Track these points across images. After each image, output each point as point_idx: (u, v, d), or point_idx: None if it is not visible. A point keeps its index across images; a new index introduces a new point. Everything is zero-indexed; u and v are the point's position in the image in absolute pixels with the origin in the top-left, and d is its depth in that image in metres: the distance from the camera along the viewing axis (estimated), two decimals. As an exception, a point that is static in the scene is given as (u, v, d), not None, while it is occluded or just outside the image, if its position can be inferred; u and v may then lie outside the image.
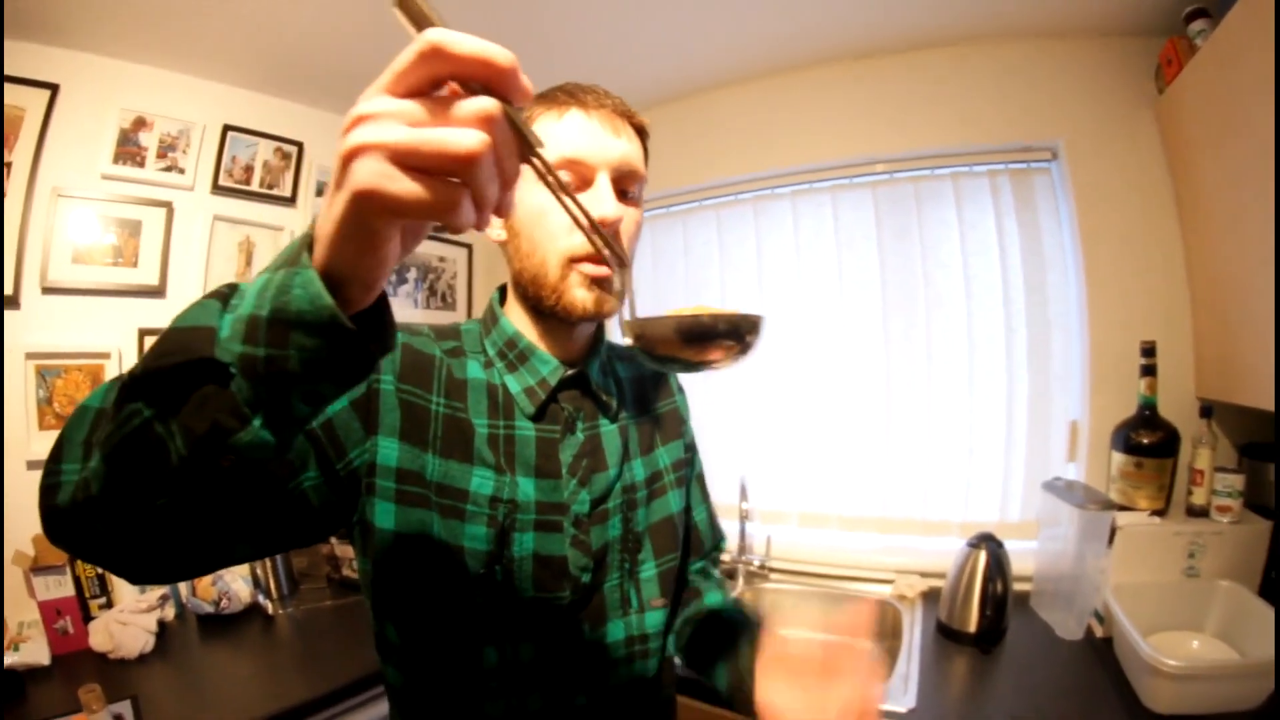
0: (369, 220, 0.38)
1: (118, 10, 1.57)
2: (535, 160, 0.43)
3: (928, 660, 1.53)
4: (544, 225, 0.77)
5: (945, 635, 1.64)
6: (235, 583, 1.72)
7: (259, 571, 1.83)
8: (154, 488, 0.44)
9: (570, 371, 0.84)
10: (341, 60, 1.89)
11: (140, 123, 1.79)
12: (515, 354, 0.83)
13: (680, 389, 1.07)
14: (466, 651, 0.76)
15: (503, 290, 0.89)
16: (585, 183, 0.76)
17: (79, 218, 1.74)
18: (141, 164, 1.82)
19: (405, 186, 0.35)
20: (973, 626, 1.60)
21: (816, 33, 1.89)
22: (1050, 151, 1.86)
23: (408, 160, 0.35)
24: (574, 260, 0.76)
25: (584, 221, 0.53)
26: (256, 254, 2.06)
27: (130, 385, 0.45)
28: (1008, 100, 1.84)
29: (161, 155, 1.85)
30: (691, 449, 1.06)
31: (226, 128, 1.99)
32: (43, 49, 1.65)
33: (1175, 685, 1.20)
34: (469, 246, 2.62)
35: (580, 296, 0.77)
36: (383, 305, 0.46)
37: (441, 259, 2.52)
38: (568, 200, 0.50)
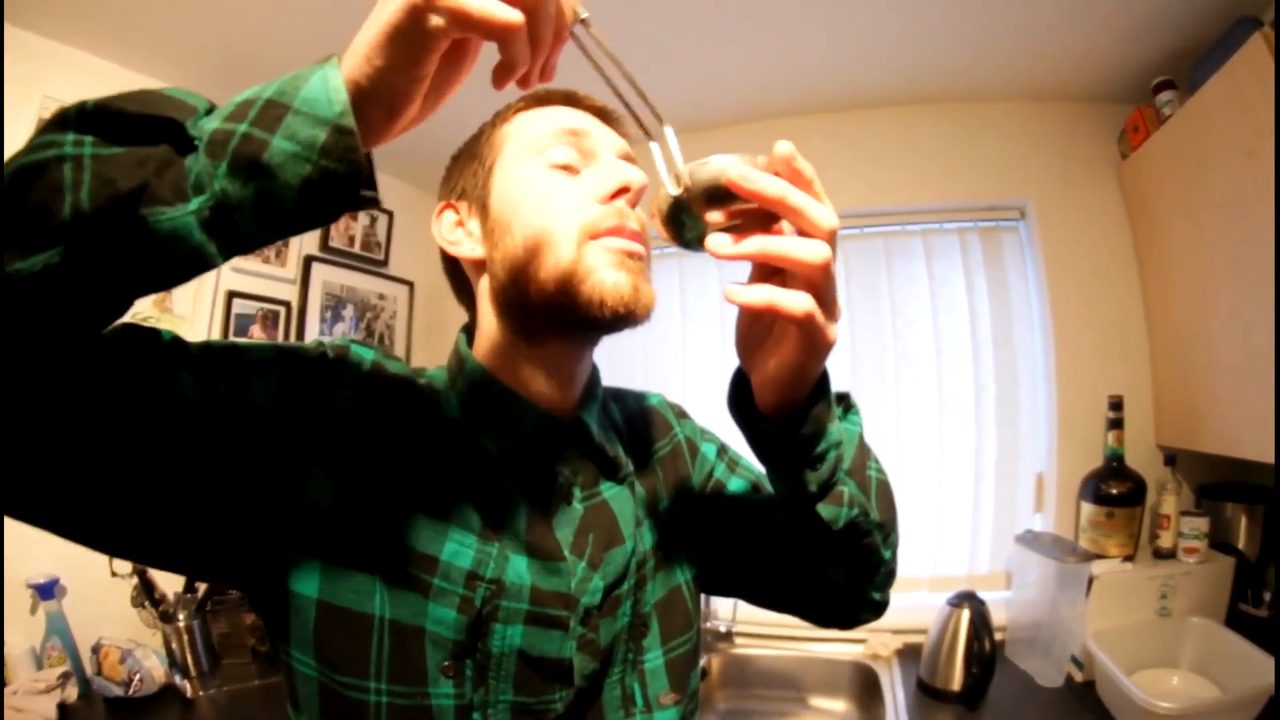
0: (426, 22, 0.39)
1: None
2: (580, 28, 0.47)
3: (914, 720, 1.55)
4: (550, 202, 0.61)
5: (927, 694, 1.67)
6: (148, 660, 1.53)
7: (174, 647, 1.64)
8: (20, 235, 0.39)
9: (566, 418, 0.68)
10: (288, 62, 1.80)
11: None
12: (488, 402, 0.65)
13: (679, 416, 0.87)
14: None
15: (469, 331, 0.72)
16: (588, 156, 0.65)
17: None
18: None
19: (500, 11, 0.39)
20: (957, 684, 1.64)
21: (790, 84, 1.97)
22: (1019, 210, 2.02)
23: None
24: (594, 236, 0.60)
25: (646, 100, 0.54)
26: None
27: (74, 115, 0.40)
28: (978, 160, 1.99)
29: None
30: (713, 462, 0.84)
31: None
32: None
33: (1168, 725, 1.30)
34: (410, 284, 2.52)
35: (612, 279, 0.59)
36: (371, 170, 0.45)
37: (381, 296, 2.41)
38: (621, 71, 0.51)
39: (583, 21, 0.47)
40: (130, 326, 0.50)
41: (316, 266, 2.17)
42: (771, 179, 0.48)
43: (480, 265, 0.67)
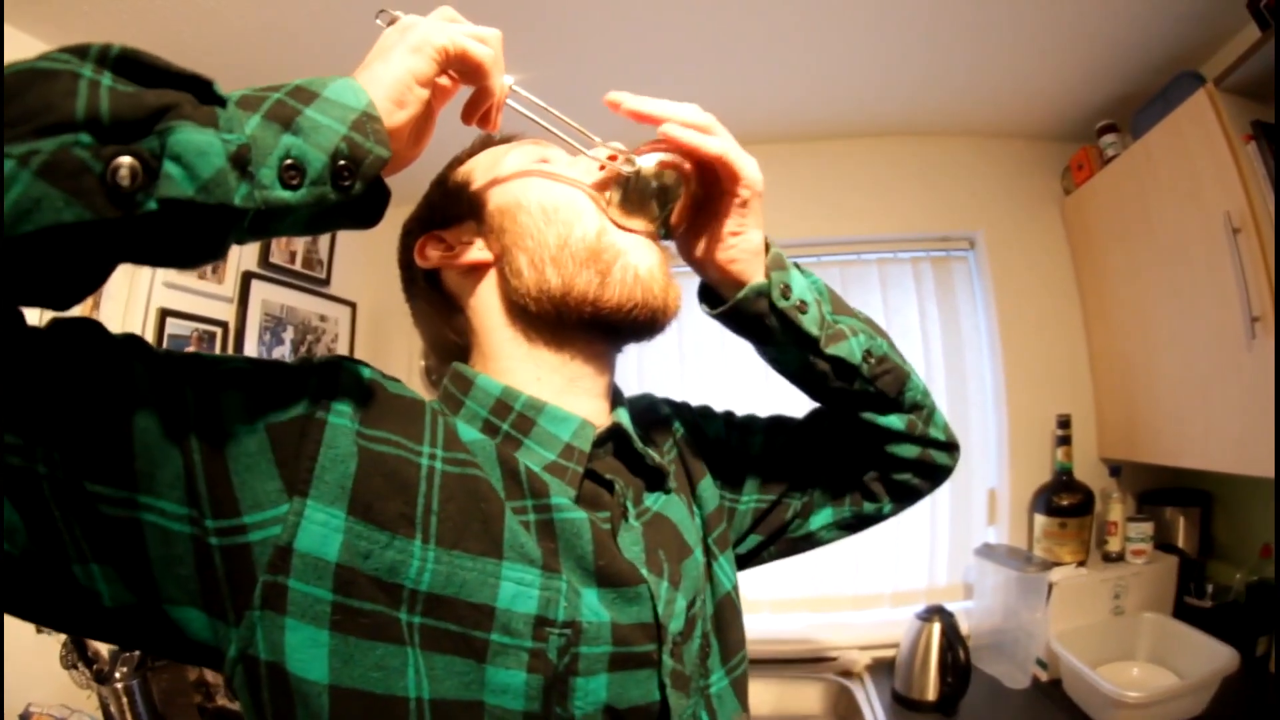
0: (432, 63, 0.49)
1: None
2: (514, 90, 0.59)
3: (894, 731, 1.64)
4: (565, 209, 0.62)
5: (904, 705, 1.74)
6: (87, 725, 1.36)
7: (112, 710, 1.46)
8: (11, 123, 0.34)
9: (601, 429, 0.62)
10: (242, 56, 1.69)
11: None
12: (513, 421, 0.59)
13: (674, 411, 0.83)
14: None
15: (461, 357, 0.68)
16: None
17: None
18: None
19: (474, 45, 0.51)
20: (932, 694, 1.72)
21: (746, 112, 2.04)
22: (969, 241, 2.18)
23: (466, 40, 0.50)
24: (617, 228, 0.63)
25: (589, 146, 0.64)
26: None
27: (95, 52, 0.37)
28: (931, 192, 2.13)
29: None
30: (703, 437, 0.82)
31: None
32: None
33: (1137, 713, 1.43)
34: (353, 305, 2.39)
35: (646, 261, 0.61)
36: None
37: (323, 318, 2.27)
38: (559, 126, 0.62)
39: (513, 89, 0.59)
40: (76, 319, 0.43)
41: (256, 284, 2.02)
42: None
43: (482, 269, 0.64)
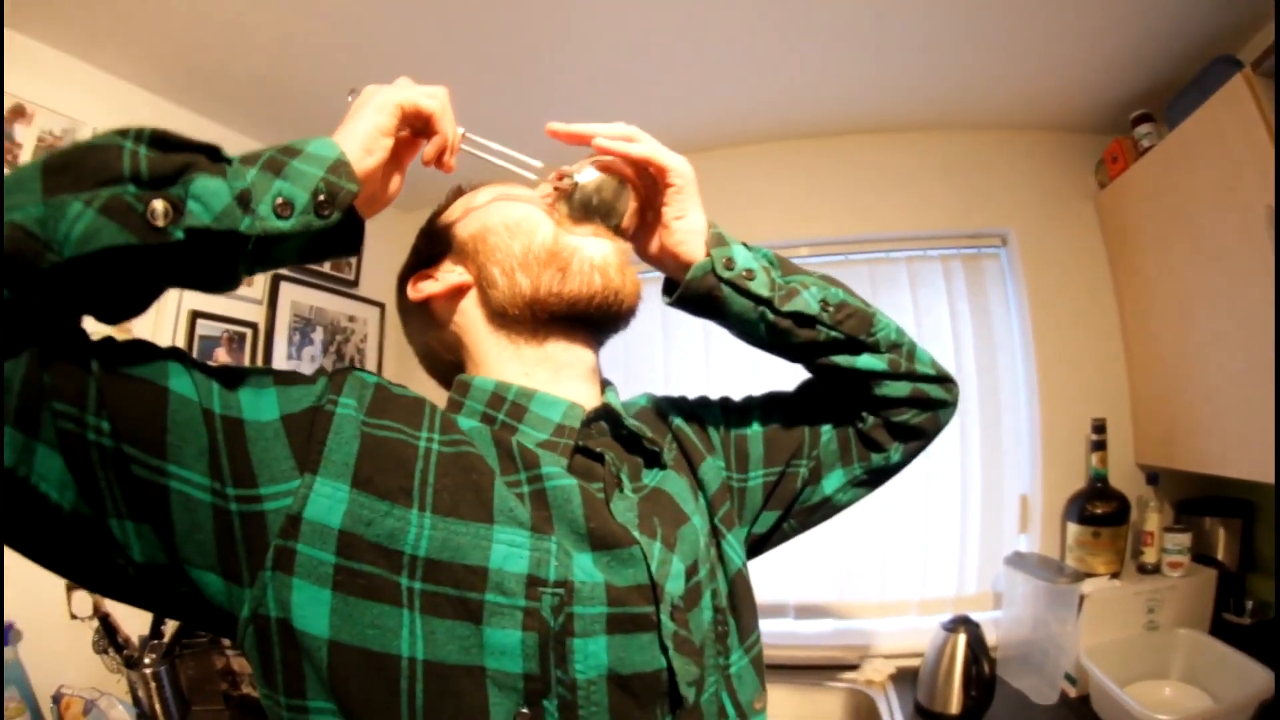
0: (393, 117, 0.60)
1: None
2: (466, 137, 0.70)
3: (915, 745, 1.60)
4: (524, 221, 0.72)
5: (926, 718, 1.71)
6: (113, 709, 1.44)
7: (141, 694, 1.53)
8: (78, 181, 0.45)
9: (590, 409, 0.69)
10: (270, 83, 1.77)
11: (19, 111, 1.51)
12: (507, 409, 0.66)
13: (669, 407, 0.87)
14: None
15: (459, 372, 0.76)
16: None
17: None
18: (15, 162, 1.53)
19: (424, 99, 0.62)
20: (955, 707, 1.68)
21: (771, 108, 2.03)
22: (1001, 238, 2.12)
23: (416, 94, 0.62)
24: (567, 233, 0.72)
25: (528, 166, 0.73)
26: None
27: (132, 132, 0.48)
28: (961, 188, 2.08)
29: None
30: (696, 419, 0.86)
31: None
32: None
33: (1167, 736, 1.37)
34: (381, 306, 2.46)
35: (600, 250, 0.70)
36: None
37: (351, 318, 2.34)
38: (503, 157, 0.73)
39: (465, 135, 0.70)
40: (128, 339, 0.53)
41: (285, 286, 2.10)
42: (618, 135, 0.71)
43: (461, 291, 0.73)
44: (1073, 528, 1.85)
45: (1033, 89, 1.86)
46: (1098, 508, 1.81)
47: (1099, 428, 1.83)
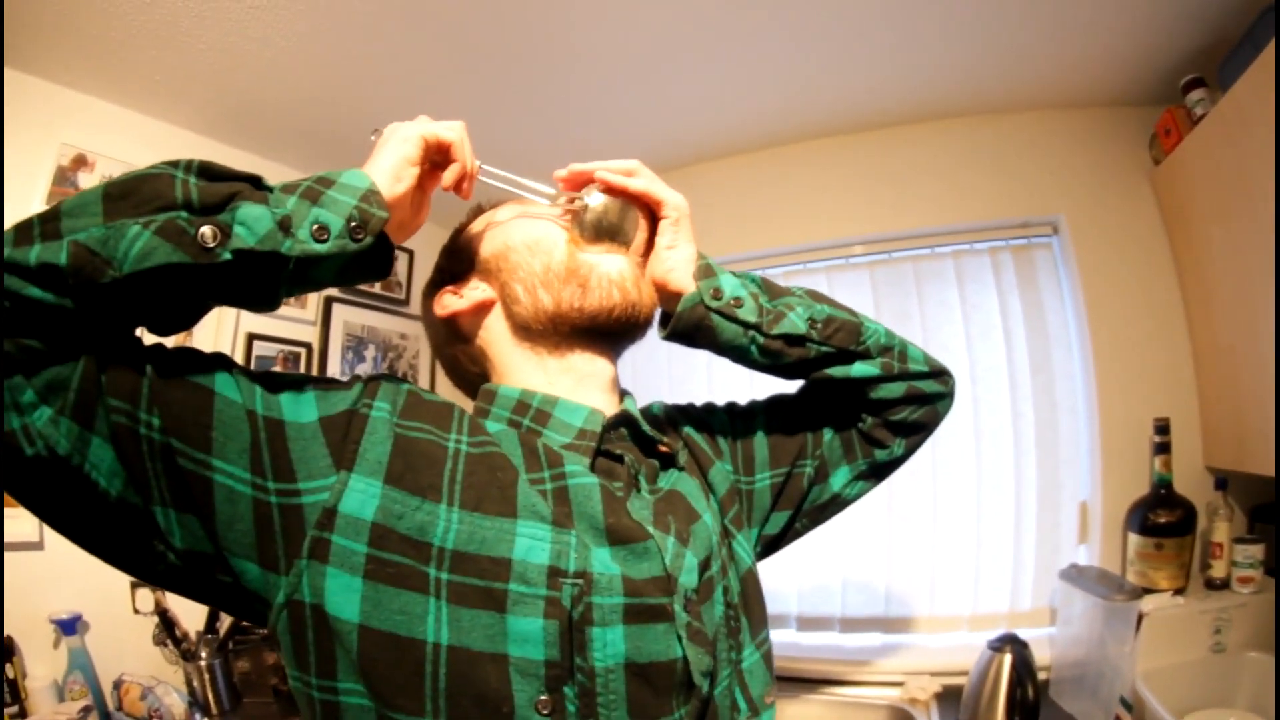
0: (417, 148, 0.67)
1: (67, 35, 1.53)
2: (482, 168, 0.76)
3: (956, 767, 1.51)
4: (544, 240, 0.77)
5: (968, 740, 1.61)
6: (168, 697, 1.59)
7: (195, 685, 1.70)
8: (135, 207, 0.51)
9: (610, 415, 0.75)
10: (303, 117, 1.91)
11: (80, 161, 1.73)
12: (532, 415, 0.72)
13: (679, 414, 0.94)
14: None
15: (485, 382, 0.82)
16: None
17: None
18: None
19: (444, 130, 0.69)
20: (998, 730, 1.58)
21: (809, 106, 1.99)
22: (1051, 226, 1.98)
23: (436, 127, 0.70)
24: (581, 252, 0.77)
25: (542, 192, 0.80)
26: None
27: (182, 164, 0.55)
28: (1005, 174, 1.96)
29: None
30: (708, 426, 0.91)
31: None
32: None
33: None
34: (433, 320, 2.58)
35: (616, 266, 0.75)
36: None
37: (403, 336, 2.49)
38: (518, 185, 0.79)
39: (481, 167, 0.76)
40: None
41: (337, 307, 2.25)
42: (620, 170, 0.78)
43: (486, 307, 0.78)
44: (1134, 538, 1.70)
45: (1071, 62, 1.73)
46: (1161, 516, 1.66)
47: (1162, 429, 1.68)
